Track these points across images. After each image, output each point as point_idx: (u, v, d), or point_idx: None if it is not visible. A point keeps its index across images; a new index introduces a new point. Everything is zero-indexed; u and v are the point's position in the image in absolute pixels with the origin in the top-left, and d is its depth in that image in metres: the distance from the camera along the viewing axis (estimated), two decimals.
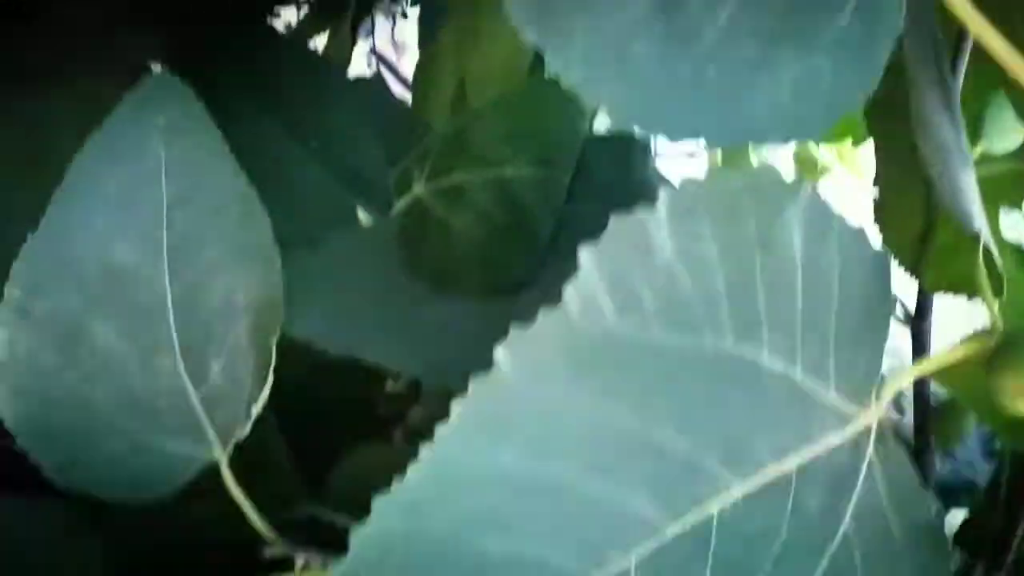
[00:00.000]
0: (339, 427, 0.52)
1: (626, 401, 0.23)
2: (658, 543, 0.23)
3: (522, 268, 0.41)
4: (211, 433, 0.36)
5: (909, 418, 0.53)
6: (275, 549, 0.37)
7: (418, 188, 0.45)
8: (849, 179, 0.93)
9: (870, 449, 0.26)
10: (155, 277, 0.36)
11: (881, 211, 0.46)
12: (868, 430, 0.27)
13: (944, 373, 0.45)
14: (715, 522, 0.24)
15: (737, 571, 0.24)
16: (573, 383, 0.22)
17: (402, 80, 1.09)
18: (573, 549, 0.22)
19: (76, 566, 0.37)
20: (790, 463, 0.25)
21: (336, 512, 0.47)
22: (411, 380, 0.56)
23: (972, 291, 0.42)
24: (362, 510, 0.25)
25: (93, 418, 0.35)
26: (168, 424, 0.36)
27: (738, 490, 0.24)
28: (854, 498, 0.26)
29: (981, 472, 0.60)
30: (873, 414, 0.27)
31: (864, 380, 0.27)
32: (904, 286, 0.44)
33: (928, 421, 0.50)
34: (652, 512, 0.23)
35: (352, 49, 0.72)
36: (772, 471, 0.25)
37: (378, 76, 0.94)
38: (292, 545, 0.38)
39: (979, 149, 0.42)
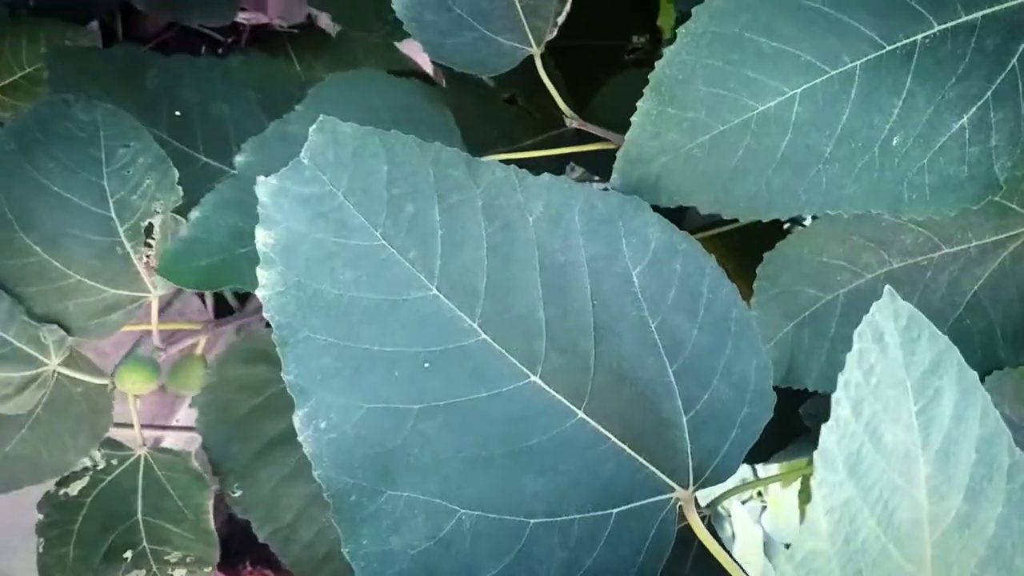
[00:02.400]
0: (597, 66, 0.66)
1: None
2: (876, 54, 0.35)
3: None
4: (529, 34, 0.50)
5: None
6: (573, 122, 0.52)
7: None
8: None
9: None
10: None
11: None
12: None
13: None
14: (918, 47, 0.35)
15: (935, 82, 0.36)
16: None
17: None
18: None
19: (433, 123, 0.53)
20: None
21: (598, 126, 0.60)
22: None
23: None
24: (618, 125, 0.38)
25: (451, 14, 0.49)
26: (502, 25, 0.50)
27: (938, 28, 0.35)
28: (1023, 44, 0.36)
29: None
30: None
31: None
32: None
33: None
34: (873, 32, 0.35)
35: None
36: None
37: None
38: (584, 121, 0.52)
39: None
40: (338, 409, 0.33)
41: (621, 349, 0.35)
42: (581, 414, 0.35)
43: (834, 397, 0.23)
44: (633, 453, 0.35)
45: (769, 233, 0.47)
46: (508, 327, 0.35)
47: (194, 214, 0.49)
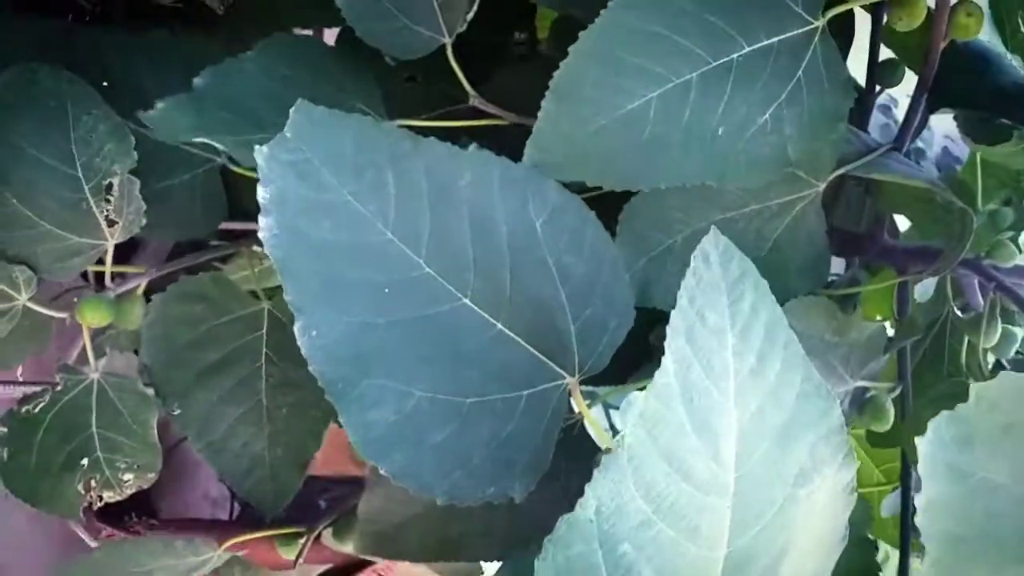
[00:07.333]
0: (486, 57, 0.78)
1: None
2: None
3: None
4: (443, 26, 0.62)
5: None
6: (475, 101, 0.64)
7: None
8: None
9: (817, 38, 0.51)
10: None
11: None
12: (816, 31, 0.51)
13: None
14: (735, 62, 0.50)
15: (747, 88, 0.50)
16: None
17: None
18: None
19: (357, 86, 0.63)
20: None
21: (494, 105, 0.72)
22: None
23: None
24: (508, 106, 0.50)
25: (380, 5, 0.60)
26: (421, 17, 0.61)
27: (748, 49, 0.50)
28: (805, 61, 0.51)
29: None
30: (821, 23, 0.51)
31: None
32: None
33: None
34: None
35: None
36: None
37: None
38: (485, 102, 0.64)
39: None
40: (325, 322, 0.44)
41: (528, 279, 0.48)
42: (500, 326, 0.48)
43: (678, 294, 0.37)
44: (537, 353, 0.48)
45: (626, 196, 0.61)
46: (446, 262, 0.47)
47: (159, 105, 0.55)
